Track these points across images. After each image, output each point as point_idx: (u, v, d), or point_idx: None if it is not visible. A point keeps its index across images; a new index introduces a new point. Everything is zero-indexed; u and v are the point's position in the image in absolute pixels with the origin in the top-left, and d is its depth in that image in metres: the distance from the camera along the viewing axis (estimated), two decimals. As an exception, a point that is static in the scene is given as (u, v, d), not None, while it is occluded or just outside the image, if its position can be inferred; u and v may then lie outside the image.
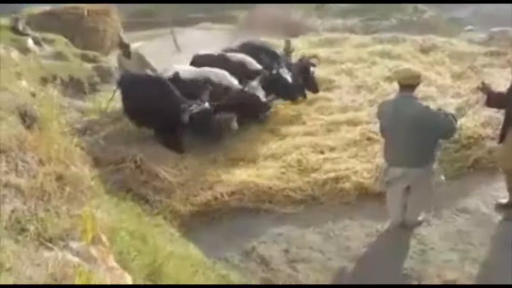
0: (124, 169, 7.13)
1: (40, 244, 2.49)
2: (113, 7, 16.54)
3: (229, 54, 9.67)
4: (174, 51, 15.73)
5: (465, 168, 6.64)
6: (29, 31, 11.79)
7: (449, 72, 10.34)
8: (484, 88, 5.84)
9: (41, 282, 2.11)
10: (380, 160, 6.36)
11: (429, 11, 17.59)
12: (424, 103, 5.55)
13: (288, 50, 10.76)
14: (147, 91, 8.09)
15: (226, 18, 19.40)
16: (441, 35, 13.17)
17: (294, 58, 10.31)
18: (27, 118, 4.05)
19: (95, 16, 15.27)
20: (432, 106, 5.86)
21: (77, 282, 2.18)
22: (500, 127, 5.93)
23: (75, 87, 10.15)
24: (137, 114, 8.29)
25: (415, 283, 4.93)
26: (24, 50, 10.14)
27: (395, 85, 6.54)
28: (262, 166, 7.21)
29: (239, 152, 7.72)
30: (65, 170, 3.37)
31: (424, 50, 11.88)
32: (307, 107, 9.15)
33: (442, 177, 5.64)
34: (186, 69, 9.01)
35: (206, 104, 7.85)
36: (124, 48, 9.67)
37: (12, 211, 2.62)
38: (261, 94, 8.52)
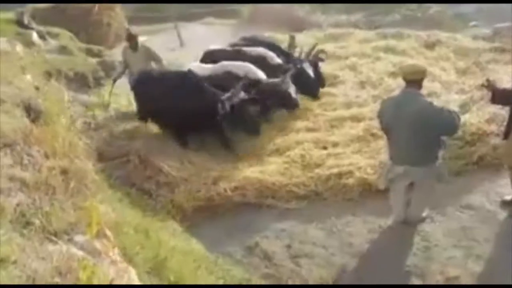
0: (128, 164, 7.16)
1: (44, 237, 2.50)
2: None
3: (247, 49, 9.49)
4: (178, 46, 15.70)
5: (470, 164, 6.62)
6: (34, 25, 11.80)
7: (454, 68, 10.28)
8: (489, 85, 5.81)
9: (46, 275, 2.12)
10: (383, 156, 6.35)
11: (434, 6, 17.52)
12: (428, 99, 5.53)
13: (293, 46, 10.73)
14: (175, 88, 7.80)
15: (229, 13, 19.34)
16: (445, 31, 13.10)
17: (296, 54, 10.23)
18: (31, 112, 4.07)
19: (100, 11, 15.25)
20: (436, 102, 5.85)
21: (81, 275, 2.19)
22: (505, 123, 5.91)
23: (79, 81, 10.16)
24: (163, 114, 7.97)
25: (418, 280, 4.93)
26: (29, 44, 10.13)
27: (400, 81, 6.56)
28: (265, 161, 7.21)
29: (242, 148, 7.72)
30: (69, 164, 3.38)
31: (429, 46, 11.81)
32: (311, 103, 9.12)
33: (446, 174, 5.63)
34: (206, 66, 8.87)
35: (243, 95, 7.70)
36: (132, 39, 9.31)
37: (17, 205, 2.63)
38: (292, 90, 8.46)
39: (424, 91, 5.63)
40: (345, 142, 7.51)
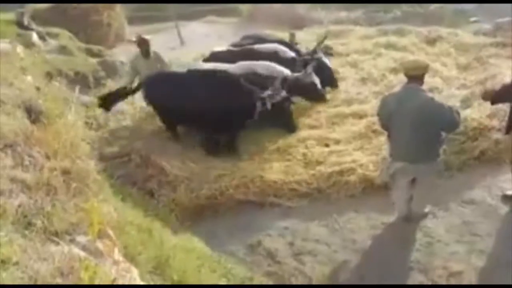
0: (130, 163, 7.17)
1: (46, 238, 2.50)
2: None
3: (258, 46, 9.34)
4: (178, 45, 15.69)
5: (471, 159, 6.62)
6: (34, 26, 11.81)
7: (455, 64, 10.28)
8: (487, 95, 5.83)
9: (47, 276, 2.12)
10: (385, 152, 6.35)
11: (434, 2, 17.51)
12: (430, 95, 5.52)
13: (293, 43, 10.71)
14: (207, 88, 7.46)
15: (230, 11, 19.32)
16: (446, 26, 13.08)
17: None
18: (32, 113, 4.06)
19: (100, 10, 15.25)
20: (438, 97, 5.84)
21: (83, 276, 2.19)
22: (506, 118, 5.90)
23: (80, 81, 10.15)
24: (191, 116, 7.61)
25: (421, 275, 4.93)
26: (29, 45, 10.14)
27: (401, 77, 6.53)
28: (267, 159, 7.20)
29: (244, 146, 7.71)
30: (71, 165, 3.38)
31: (430, 42, 11.81)
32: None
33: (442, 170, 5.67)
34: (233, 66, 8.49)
35: (284, 93, 7.50)
36: (144, 45, 8.70)
37: (19, 206, 2.63)
38: (317, 81, 8.38)
39: (425, 86, 5.62)
40: (346, 139, 7.51)
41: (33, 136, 3.49)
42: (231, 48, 9.85)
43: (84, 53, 11.81)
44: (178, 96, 7.57)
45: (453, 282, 4.81)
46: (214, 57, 9.34)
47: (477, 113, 7.20)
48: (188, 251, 4.62)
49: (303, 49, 9.93)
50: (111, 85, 10.32)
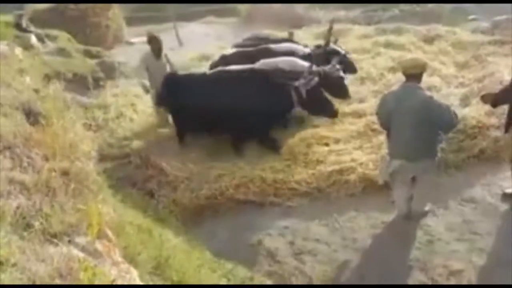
0: (129, 164, 7.17)
1: (45, 239, 2.50)
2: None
3: (273, 45, 9.03)
4: (176, 46, 15.67)
5: (471, 158, 6.61)
6: (32, 28, 11.80)
7: (453, 62, 10.27)
8: (486, 99, 5.84)
9: (46, 278, 2.11)
10: (384, 151, 6.34)
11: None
12: (428, 93, 5.53)
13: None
14: (237, 87, 7.29)
15: (228, 11, 19.31)
16: (444, 25, 13.07)
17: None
18: (31, 115, 4.06)
19: (98, 12, 15.24)
20: (436, 96, 5.84)
21: (82, 277, 2.19)
22: (505, 116, 5.90)
23: (78, 83, 10.15)
24: (226, 118, 7.28)
25: (422, 274, 4.92)
26: (28, 47, 10.13)
27: (400, 76, 6.54)
28: (267, 159, 7.20)
29: (244, 145, 7.70)
30: (70, 166, 3.37)
31: (428, 40, 11.79)
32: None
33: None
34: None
35: (316, 78, 7.34)
36: (156, 43, 8.34)
37: (17, 207, 2.62)
38: (344, 76, 8.23)
39: (423, 85, 5.63)
40: (346, 138, 7.50)
41: (32, 137, 3.48)
42: (242, 49, 9.41)
43: (82, 55, 11.80)
44: (209, 98, 7.34)
45: (453, 280, 4.81)
46: (225, 60, 8.83)
47: (476, 111, 7.19)
48: (188, 251, 4.63)
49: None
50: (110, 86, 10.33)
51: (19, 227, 2.50)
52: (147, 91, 8.66)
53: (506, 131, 5.76)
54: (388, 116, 5.50)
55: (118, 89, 10.36)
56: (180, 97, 7.57)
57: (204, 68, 9.68)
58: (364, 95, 8.94)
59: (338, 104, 8.04)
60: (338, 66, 8.02)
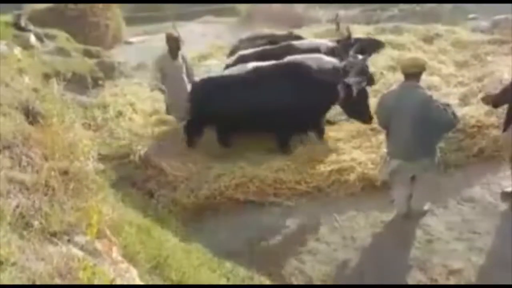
0: (129, 164, 7.15)
1: (44, 238, 2.50)
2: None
3: (295, 42, 8.87)
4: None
5: (470, 157, 6.60)
6: (31, 27, 11.78)
7: (453, 61, 10.26)
8: (487, 99, 5.84)
9: (46, 277, 2.11)
10: (384, 150, 6.34)
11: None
12: (428, 92, 5.52)
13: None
14: (279, 84, 7.12)
15: (228, 11, 19.30)
16: (444, 24, 13.06)
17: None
18: (30, 114, 4.06)
19: (97, 11, 15.23)
20: (436, 95, 5.84)
21: (81, 276, 2.19)
22: (504, 115, 5.90)
23: (78, 82, 10.12)
24: (269, 117, 7.05)
25: (421, 273, 4.92)
26: (27, 47, 10.12)
27: (399, 75, 6.53)
28: (267, 158, 7.19)
29: (244, 145, 7.70)
30: (69, 165, 3.38)
31: (427, 39, 11.78)
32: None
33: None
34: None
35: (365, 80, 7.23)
36: (174, 43, 8.07)
37: (17, 206, 2.62)
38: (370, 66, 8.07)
39: (423, 84, 5.62)
40: (345, 138, 7.51)
41: (31, 137, 3.49)
42: (259, 48, 9.02)
43: (82, 54, 11.79)
44: (251, 98, 7.15)
45: (452, 279, 4.81)
46: (244, 59, 8.41)
47: (475, 110, 7.18)
48: (187, 251, 4.63)
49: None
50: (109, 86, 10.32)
51: (19, 226, 2.50)
52: (162, 91, 8.26)
53: (504, 130, 5.76)
54: (388, 115, 5.49)
55: (117, 88, 10.34)
56: (219, 101, 7.29)
57: (206, 68, 9.61)
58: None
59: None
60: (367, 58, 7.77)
